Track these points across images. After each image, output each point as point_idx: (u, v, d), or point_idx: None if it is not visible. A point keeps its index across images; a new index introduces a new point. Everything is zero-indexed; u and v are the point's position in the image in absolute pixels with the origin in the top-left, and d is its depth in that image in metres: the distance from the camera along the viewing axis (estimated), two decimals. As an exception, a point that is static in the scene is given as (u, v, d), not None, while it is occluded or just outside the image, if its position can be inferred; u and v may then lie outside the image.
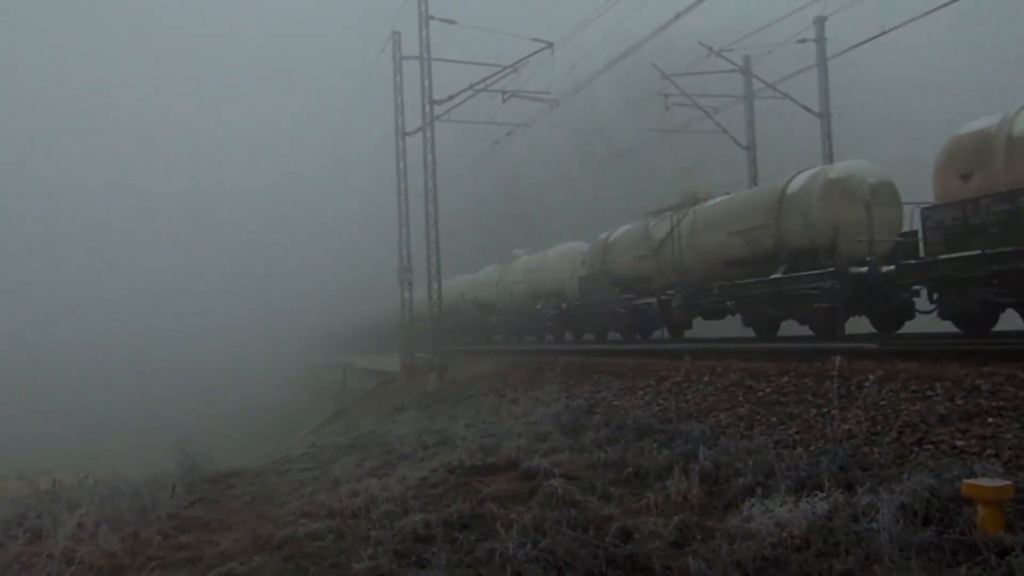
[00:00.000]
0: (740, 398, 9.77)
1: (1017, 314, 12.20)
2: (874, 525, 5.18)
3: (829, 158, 22.45)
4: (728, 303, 18.39)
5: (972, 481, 5.32)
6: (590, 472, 8.09)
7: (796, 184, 16.10)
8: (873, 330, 15.42)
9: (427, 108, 22.62)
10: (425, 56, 22.54)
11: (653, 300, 20.81)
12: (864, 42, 19.19)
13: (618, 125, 44.64)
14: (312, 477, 10.90)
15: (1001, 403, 7.13)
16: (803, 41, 23.44)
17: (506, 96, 23.56)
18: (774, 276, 16.09)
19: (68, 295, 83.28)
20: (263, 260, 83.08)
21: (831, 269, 14.54)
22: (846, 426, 7.45)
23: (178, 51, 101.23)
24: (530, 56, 22.67)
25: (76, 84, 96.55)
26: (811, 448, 7.34)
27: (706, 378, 11.00)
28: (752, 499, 6.10)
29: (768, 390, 9.59)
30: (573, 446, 9.37)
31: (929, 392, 7.82)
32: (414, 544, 6.43)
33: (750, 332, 18.17)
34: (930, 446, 6.78)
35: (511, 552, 5.76)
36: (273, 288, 79.32)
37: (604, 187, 47.28)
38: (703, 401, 10.22)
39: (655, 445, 8.41)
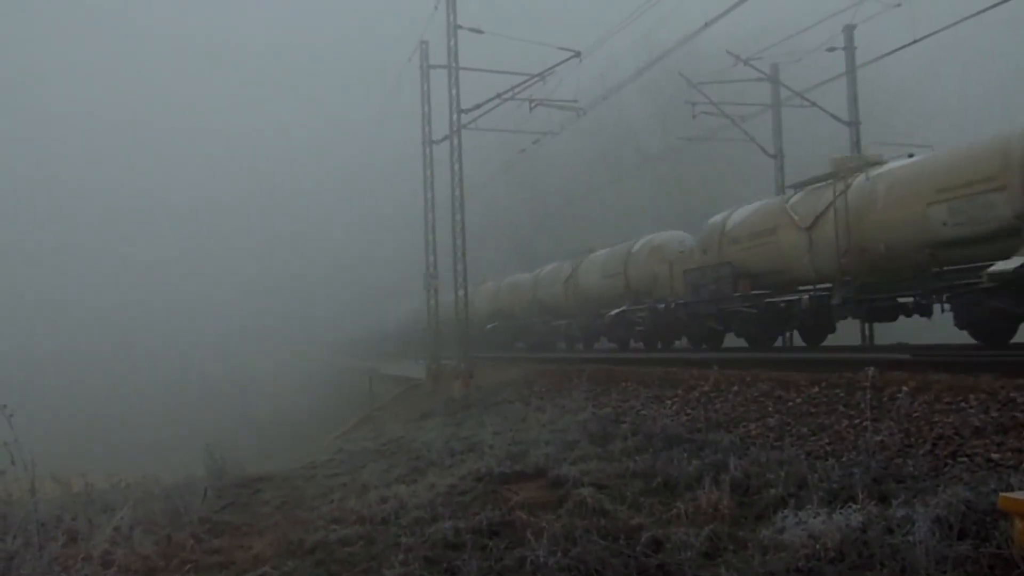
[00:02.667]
0: (770, 408, 9.71)
1: None
2: (910, 538, 5.13)
3: (858, 167, 22.29)
4: (919, 300, 14.26)
5: (1009, 495, 5.25)
6: (619, 481, 8.07)
7: None
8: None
9: (454, 117, 22.73)
10: (453, 65, 22.66)
11: (803, 296, 16.38)
12: (895, 51, 19.04)
13: (645, 133, 44.57)
14: (340, 483, 10.97)
15: (1037, 416, 7.03)
16: (832, 49, 23.33)
17: (533, 105, 23.63)
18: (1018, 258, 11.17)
19: (94, 301, 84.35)
20: (289, 265, 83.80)
21: None
22: (879, 437, 7.39)
23: (201, 61, 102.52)
24: (558, 65, 22.73)
25: (98, 91, 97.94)
26: (843, 459, 7.28)
27: (735, 388, 10.94)
28: (785, 510, 6.07)
29: (798, 400, 9.53)
30: (601, 455, 9.37)
31: (963, 404, 7.74)
32: (444, 551, 6.46)
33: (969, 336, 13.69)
34: (965, 459, 6.70)
35: (542, 560, 5.78)
36: (299, 293, 79.94)
37: (631, 194, 47.22)
38: (732, 411, 10.17)
39: (684, 455, 8.38)
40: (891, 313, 15.22)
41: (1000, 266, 11.39)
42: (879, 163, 15.42)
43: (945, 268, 13.10)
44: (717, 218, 20.02)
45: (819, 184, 16.53)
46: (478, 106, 23.11)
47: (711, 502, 6.81)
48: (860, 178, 15.14)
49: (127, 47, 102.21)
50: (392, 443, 14.33)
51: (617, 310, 23.68)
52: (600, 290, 25.69)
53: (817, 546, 5.36)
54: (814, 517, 5.73)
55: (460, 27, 22.53)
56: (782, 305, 17.11)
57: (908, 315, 14.94)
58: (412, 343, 38.64)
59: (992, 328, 12.81)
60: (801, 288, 16.37)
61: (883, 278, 14.58)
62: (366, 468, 11.66)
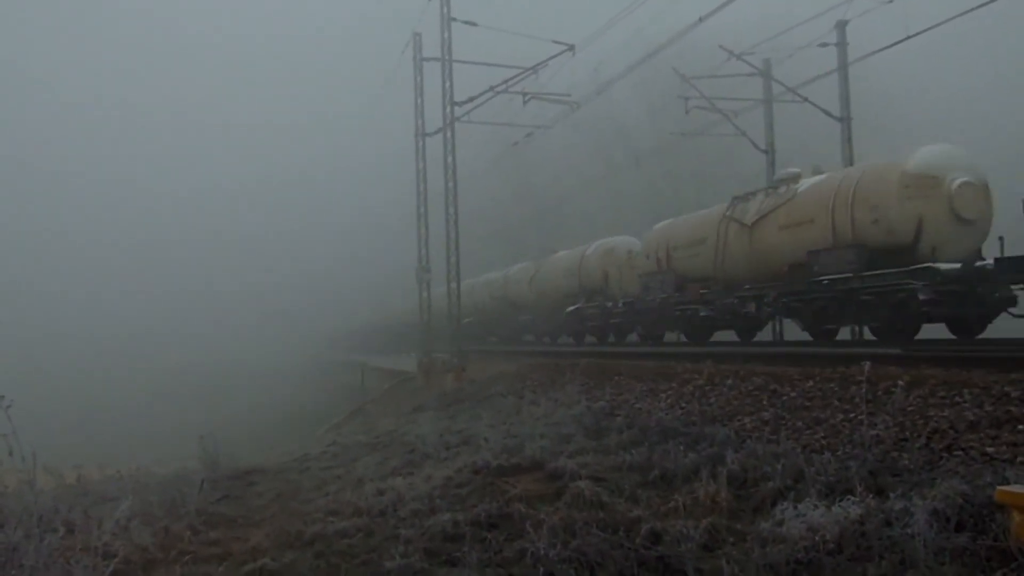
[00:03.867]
0: (764, 402, 9.76)
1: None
2: (908, 530, 5.18)
3: (850, 162, 22.39)
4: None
5: (1006, 488, 5.30)
6: (616, 474, 8.11)
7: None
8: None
9: (448, 110, 22.66)
10: (446, 58, 22.57)
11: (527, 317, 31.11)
12: (887, 47, 19.08)
13: (637, 128, 44.59)
14: (335, 475, 10.97)
15: (1031, 410, 7.10)
16: (824, 45, 23.39)
17: (527, 98, 23.60)
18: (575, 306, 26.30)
19: (84, 293, 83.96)
20: (279, 259, 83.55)
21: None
22: (874, 431, 7.43)
23: (194, 51, 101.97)
24: (551, 58, 22.69)
25: (97, 82, 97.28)
26: (839, 453, 7.33)
27: (729, 381, 10.98)
28: (784, 503, 6.11)
29: (793, 394, 9.58)
30: (597, 448, 9.40)
31: (957, 398, 7.80)
32: (444, 543, 6.48)
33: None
34: (960, 452, 6.76)
35: (542, 552, 5.79)
36: (290, 287, 79.71)
37: (622, 189, 47.25)
38: (727, 405, 10.21)
39: (680, 448, 8.41)
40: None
41: (568, 309, 26.64)
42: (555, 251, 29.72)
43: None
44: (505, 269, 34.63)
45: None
46: (472, 99, 23.04)
47: (709, 495, 6.85)
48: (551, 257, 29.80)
49: (122, 37, 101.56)
50: (385, 436, 14.31)
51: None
52: (491, 300, 34.13)
53: (816, 538, 5.41)
54: (813, 509, 5.77)
55: (454, 19, 22.45)
56: (521, 319, 31.77)
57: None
58: (402, 337, 38.69)
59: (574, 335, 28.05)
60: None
61: (551, 312, 28.46)
62: (360, 461, 11.65)
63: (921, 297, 13.06)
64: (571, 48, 22.58)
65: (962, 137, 13.90)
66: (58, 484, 10.13)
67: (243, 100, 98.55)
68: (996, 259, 12.79)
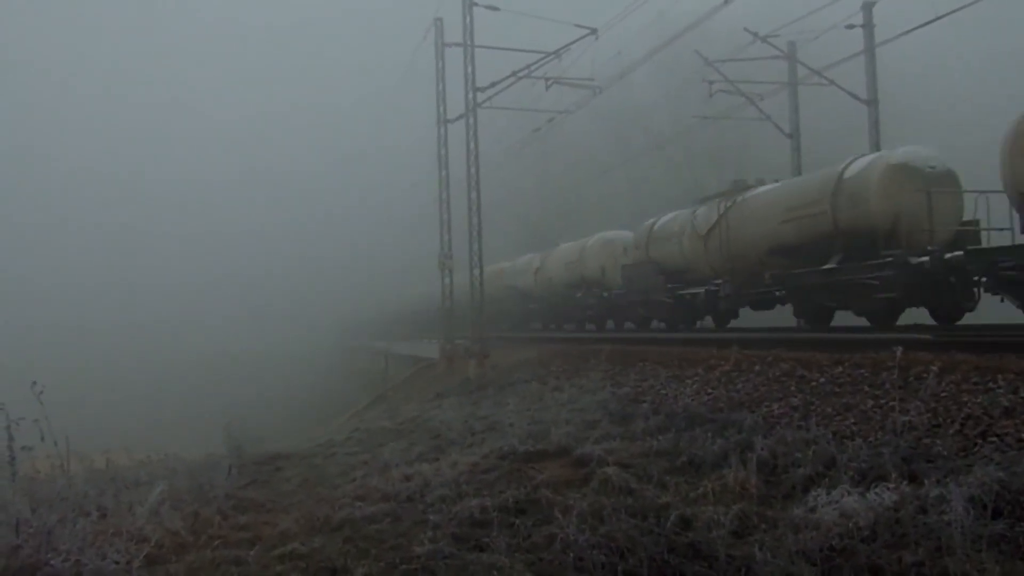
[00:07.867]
0: (793, 388, 9.66)
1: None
2: (944, 517, 5.11)
3: (876, 146, 22.08)
4: (778, 292, 17.44)
5: (1045, 475, 5.23)
6: (643, 460, 8.07)
7: (853, 169, 15.44)
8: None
9: (470, 95, 22.54)
10: (468, 43, 22.45)
11: (700, 290, 20.18)
12: (915, 28, 18.76)
13: (658, 112, 44.26)
14: (361, 461, 10.97)
15: (1068, 396, 6.97)
16: (851, 27, 23.05)
17: (550, 83, 23.43)
18: (827, 266, 15.35)
19: (108, 284, 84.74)
20: (300, 247, 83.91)
21: (890, 259, 13.93)
22: (906, 417, 7.34)
23: (207, 41, 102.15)
24: (573, 43, 22.49)
25: (110, 72, 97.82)
26: (870, 439, 7.24)
27: (756, 367, 10.89)
28: (817, 489, 6.05)
29: (822, 380, 9.48)
30: (623, 434, 9.36)
31: (991, 384, 7.67)
32: (472, 529, 6.47)
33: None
34: (995, 439, 6.64)
35: (571, 538, 5.77)
36: (311, 275, 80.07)
37: (642, 175, 47.00)
38: (754, 391, 10.13)
39: (708, 434, 8.35)
40: (770, 303, 18.93)
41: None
42: (755, 187, 19.52)
43: (791, 272, 16.85)
44: (648, 222, 24.76)
45: (714, 201, 20.54)
46: (494, 84, 22.90)
47: (738, 481, 6.80)
48: (738, 199, 19.31)
49: (129, 26, 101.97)
50: (409, 422, 14.34)
51: (575, 296, 29.09)
52: (560, 279, 30.54)
53: (850, 525, 5.36)
54: (846, 496, 5.72)
55: (476, 4, 22.30)
56: (688, 296, 21.27)
57: (784, 304, 18.13)
58: (424, 324, 38.77)
59: (817, 316, 16.98)
60: (716, 283, 20.57)
61: (753, 276, 18.53)
62: (386, 447, 11.64)
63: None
64: (594, 32, 22.36)
65: (989, 118, 13.57)
66: (87, 469, 10.20)
67: (261, 89, 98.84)
68: None
